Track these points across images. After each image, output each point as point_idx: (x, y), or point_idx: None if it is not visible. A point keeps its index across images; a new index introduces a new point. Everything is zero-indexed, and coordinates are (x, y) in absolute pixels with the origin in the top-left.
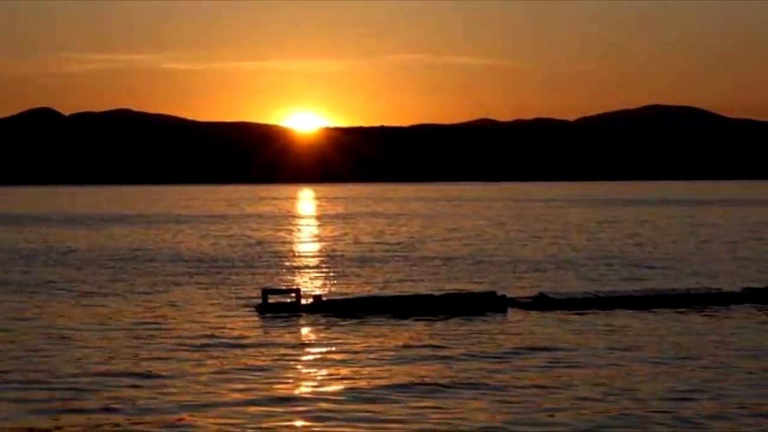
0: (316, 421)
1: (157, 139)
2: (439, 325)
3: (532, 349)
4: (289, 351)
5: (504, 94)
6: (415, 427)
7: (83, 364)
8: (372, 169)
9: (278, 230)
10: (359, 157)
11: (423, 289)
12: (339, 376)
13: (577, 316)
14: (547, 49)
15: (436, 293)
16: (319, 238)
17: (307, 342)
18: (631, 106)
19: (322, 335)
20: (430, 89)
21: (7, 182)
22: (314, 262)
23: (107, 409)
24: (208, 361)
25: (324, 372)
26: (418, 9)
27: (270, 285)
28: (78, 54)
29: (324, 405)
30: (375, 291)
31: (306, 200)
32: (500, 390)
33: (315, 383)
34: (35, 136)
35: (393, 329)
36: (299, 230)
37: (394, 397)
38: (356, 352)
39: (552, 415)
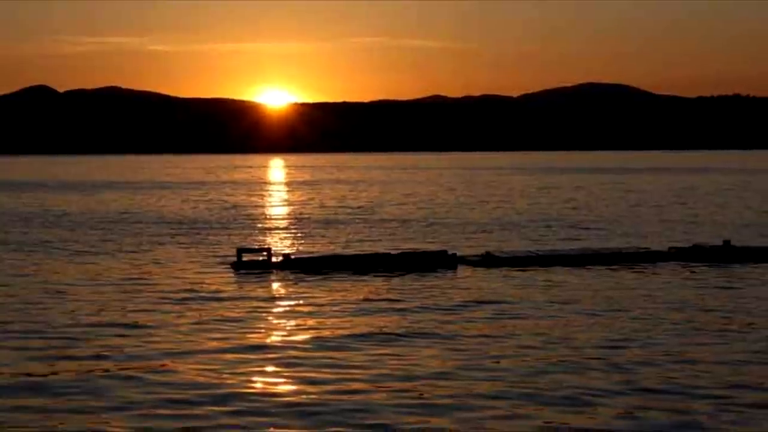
0: (285, 366)
1: (142, 114)
2: (395, 281)
3: (480, 302)
4: (261, 304)
5: (454, 73)
6: (374, 372)
7: (76, 315)
8: (336, 141)
9: (251, 195)
10: (324, 129)
11: (381, 248)
12: (306, 327)
13: (519, 273)
14: (493, 32)
15: (393, 252)
16: (288, 203)
17: (277, 296)
18: (569, 84)
19: (291, 290)
20: (387, 69)
21: (8, 152)
22: (284, 224)
23: (98, 356)
24: (188, 313)
25: (292, 323)
26: None
27: (244, 244)
28: (71, 37)
29: (293, 352)
30: (338, 250)
31: (276, 168)
32: (451, 339)
33: (284, 333)
34: (33, 111)
35: (354, 284)
36: (270, 195)
37: (355, 346)
38: (321, 305)
39: (497, 362)
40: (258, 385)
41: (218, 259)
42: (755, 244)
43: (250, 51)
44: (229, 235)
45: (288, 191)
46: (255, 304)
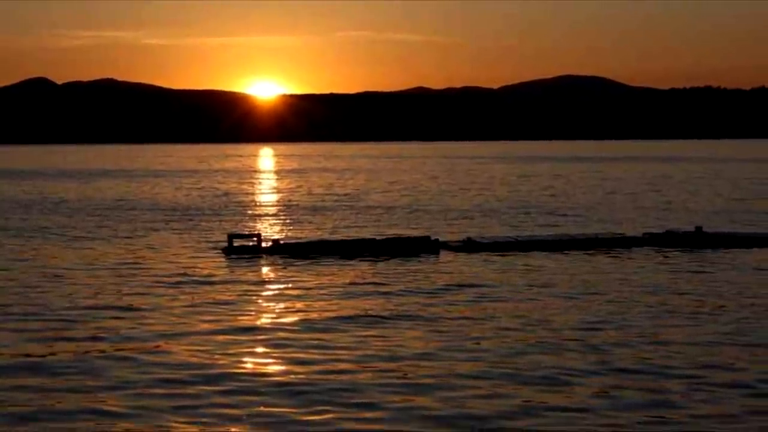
0: (274, 348)
1: (137, 105)
2: (380, 265)
3: (461, 286)
4: (252, 287)
5: (437, 65)
6: (360, 353)
7: (73, 298)
8: (323, 131)
9: (242, 183)
10: (312, 120)
11: (367, 234)
12: (294, 309)
13: (499, 258)
14: (474, 27)
15: (378, 237)
16: (278, 190)
17: (267, 280)
18: (547, 76)
19: (280, 274)
20: (373, 61)
21: (8, 142)
22: (273, 210)
23: (94, 338)
24: (181, 296)
25: (281, 305)
26: None
27: (235, 230)
28: (69, 31)
29: (281, 334)
30: (325, 236)
31: (266, 157)
32: (433, 321)
33: (274, 315)
34: (32, 102)
35: (341, 269)
36: (260, 183)
37: (341, 328)
38: (309, 289)
39: (478, 343)
40: (248, 365)
41: (210, 245)
42: (726, 230)
43: (240, 44)
44: (221, 221)
45: (277, 179)
46: (245, 287)
